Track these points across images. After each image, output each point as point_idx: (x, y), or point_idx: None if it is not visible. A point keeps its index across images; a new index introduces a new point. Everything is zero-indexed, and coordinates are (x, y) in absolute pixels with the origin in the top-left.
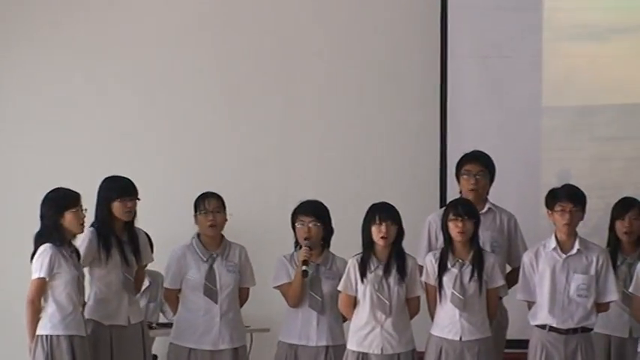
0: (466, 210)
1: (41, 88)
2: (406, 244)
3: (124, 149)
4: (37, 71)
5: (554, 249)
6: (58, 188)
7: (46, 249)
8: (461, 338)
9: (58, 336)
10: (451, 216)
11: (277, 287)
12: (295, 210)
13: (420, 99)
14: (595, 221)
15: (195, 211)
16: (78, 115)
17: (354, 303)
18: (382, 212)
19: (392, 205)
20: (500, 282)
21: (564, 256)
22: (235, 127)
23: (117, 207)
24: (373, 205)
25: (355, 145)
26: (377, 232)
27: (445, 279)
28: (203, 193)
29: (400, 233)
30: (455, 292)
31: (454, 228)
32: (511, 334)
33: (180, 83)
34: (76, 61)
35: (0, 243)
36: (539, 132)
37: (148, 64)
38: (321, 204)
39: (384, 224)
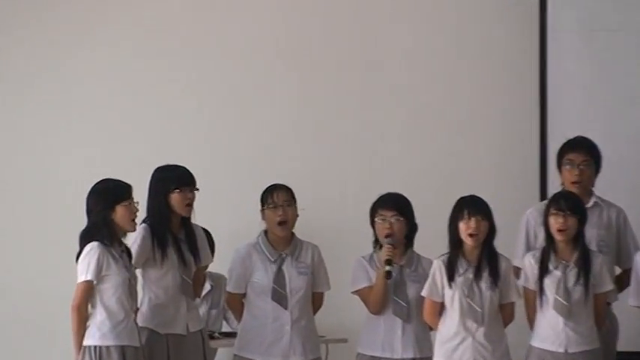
0: (570, 204)
1: (101, 79)
2: (499, 244)
3: (181, 138)
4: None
5: None
6: (107, 179)
7: (93, 248)
8: (566, 350)
9: (108, 347)
10: (552, 210)
11: (356, 292)
12: (375, 204)
13: (517, 79)
14: None
15: (263, 206)
16: (127, 105)
17: (440, 310)
18: (471, 206)
19: (482, 199)
20: (609, 286)
21: None
22: (310, 112)
23: (175, 199)
24: (461, 198)
25: (443, 131)
26: (465, 229)
27: (547, 282)
28: (271, 185)
29: (492, 230)
30: (558, 298)
31: (555, 224)
32: (623, 345)
33: (256, 69)
34: (138, 46)
35: (43, 242)
36: None
37: (221, 53)
38: (404, 197)
39: (473, 220)
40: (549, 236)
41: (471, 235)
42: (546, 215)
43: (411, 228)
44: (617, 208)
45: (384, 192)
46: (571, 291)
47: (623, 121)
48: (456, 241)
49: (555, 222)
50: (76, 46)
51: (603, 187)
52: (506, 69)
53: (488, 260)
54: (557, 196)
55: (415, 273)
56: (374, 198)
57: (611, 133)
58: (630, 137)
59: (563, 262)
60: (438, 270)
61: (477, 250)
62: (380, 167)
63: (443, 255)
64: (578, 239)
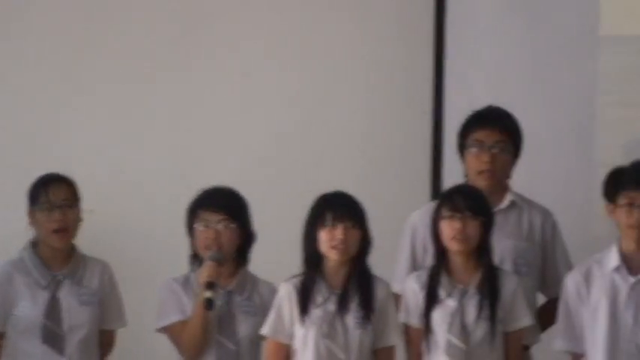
0: (470, 202)
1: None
2: (377, 261)
3: None
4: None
5: (617, 269)
6: None
7: None
8: None
9: None
10: (445, 212)
11: (163, 329)
12: (194, 203)
13: (406, 29)
14: None
15: (31, 205)
16: None
17: (287, 355)
18: (336, 208)
19: (351, 197)
20: (527, 321)
21: (633, 279)
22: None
23: None
24: (322, 196)
25: (302, 103)
26: (328, 240)
27: (436, 317)
28: (44, 177)
29: (366, 242)
30: (452, 339)
31: (449, 231)
32: None
33: None
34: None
35: None
36: (594, 77)
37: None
38: (236, 194)
39: (339, 227)
40: (440, 249)
41: (335, 248)
42: (436, 219)
43: (246, 238)
44: (544, 210)
45: (206, 187)
46: (470, 329)
47: (551, 86)
48: (313, 257)
49: (450, 228)
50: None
51: (524, 181)
52: (391, 15)
53: (360, 285)
54: (450, 192)
55: (249, 302)
56: (190, 194)
57: (535, 103)
58: (561, 108)
59: (460, 286)
60: (286, 298)
61: (343, 270)
62: (198, 156)
63: (294, 277)
64: (481, 253)
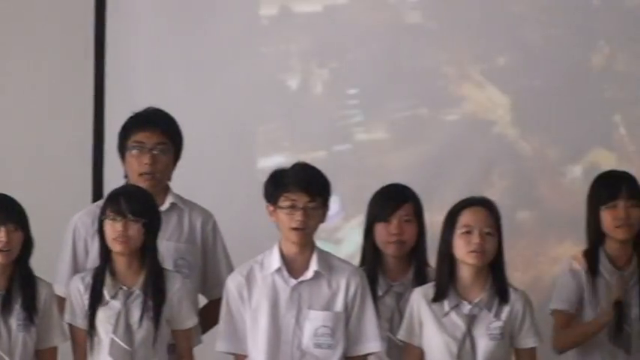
0: (133, 205)
1: None
2: (39, 263)
3: None
4: None
5: (278, 270)
6: None
7: None
8: None
9: None
10: (108, 213)
11: None
12: None
13: (65, 33)
14: (349, 224)
15: None
16: None
17: None
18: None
19: (12, 199)
20: (190, 321)
21: (294, 281)
22: None
23: None
24: None
25: None
26: None
27: (101, 317)
28: None
29: (27, 244)
30: (116, 339)
31: (111, 232)
32: None
33: None
34: None
35: None
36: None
37: None
38: None
39: (2, 230)
40: (106, 250)
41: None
42: (102, 219)
43: None
44: (204, 212)
45: None
46: (134, 329)
47: (211, 81)
48: None
49: (113, 230)
50: None
51: (185, 182)
52: None
53: (21, 285)
54: (117, 192)
55: None
56: None
57: (195, 99)
58: (221, 104)
59: (124, 288)
60: None
61: (5, 272)
62: None
63: None
64: (146, 254)
